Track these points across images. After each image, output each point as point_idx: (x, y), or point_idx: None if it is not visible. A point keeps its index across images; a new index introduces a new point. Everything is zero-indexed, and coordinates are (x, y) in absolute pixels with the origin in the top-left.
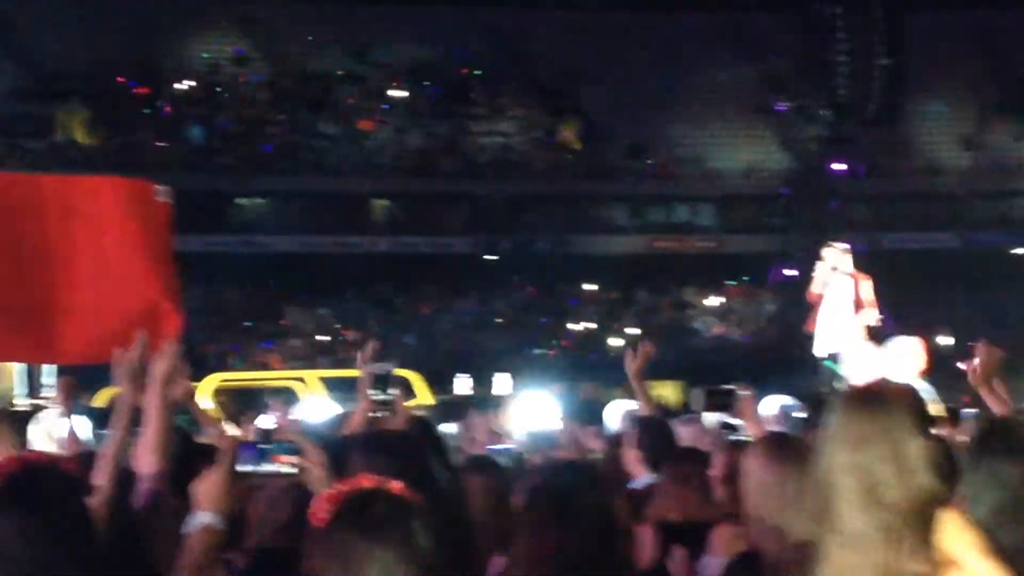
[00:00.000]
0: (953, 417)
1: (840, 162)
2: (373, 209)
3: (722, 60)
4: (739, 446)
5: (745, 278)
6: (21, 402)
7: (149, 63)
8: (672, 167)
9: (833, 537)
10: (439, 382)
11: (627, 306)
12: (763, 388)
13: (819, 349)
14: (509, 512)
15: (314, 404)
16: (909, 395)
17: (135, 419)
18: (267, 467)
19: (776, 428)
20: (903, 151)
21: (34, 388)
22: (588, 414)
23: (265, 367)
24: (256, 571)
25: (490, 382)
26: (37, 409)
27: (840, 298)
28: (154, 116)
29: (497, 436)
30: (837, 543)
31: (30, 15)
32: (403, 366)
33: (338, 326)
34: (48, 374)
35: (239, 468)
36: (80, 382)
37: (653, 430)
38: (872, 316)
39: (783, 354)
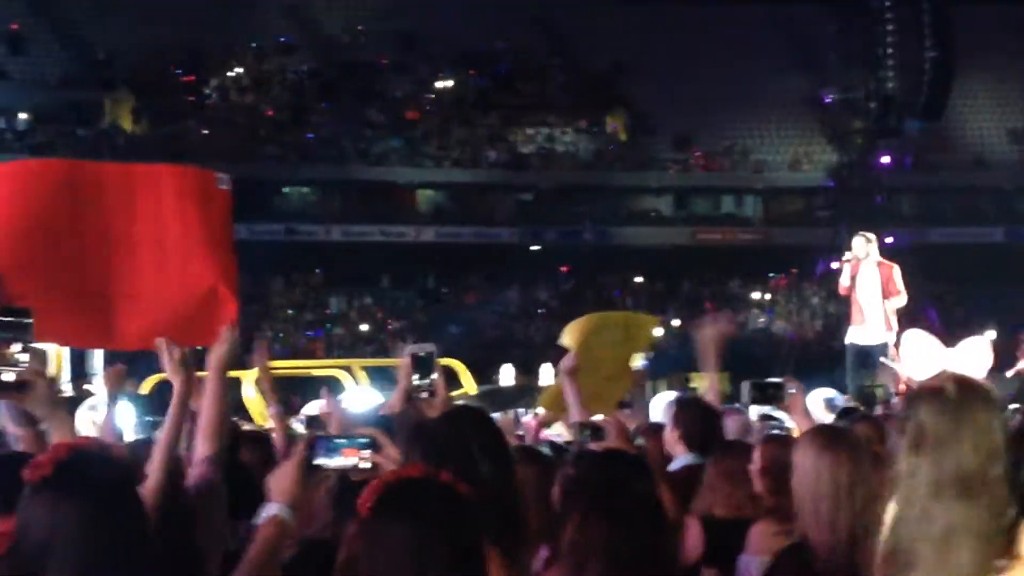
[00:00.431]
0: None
1: (886, 155)
2: (418, 199)
3: (769, 52)
4: (779, 439)
5: (790, 271)
6: (66, 388)
7: (197, 52)
8: (718, 159)
9: (918, 533)
10: (483, 372)
11: (671, 298)
12: (807, 381)
13: (853, 338)
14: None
15: (358, 393)
16: (989, 388)
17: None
18: (338, 460)
19: (822, 421)
20: (950, 144)
21: (81, 374)
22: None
23: (309, 355)
24: (301, 562)
25: (533, 372)
26: (83, 395)
27: (870, 287)
28: (200, 104)
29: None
30: (922, 539)
31: (80, 4)
32: (447, 355)
33: (382, 315)
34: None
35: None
36: (128, 369)
37: (694, 410)
38: (901, 301)
39: (827, 347)
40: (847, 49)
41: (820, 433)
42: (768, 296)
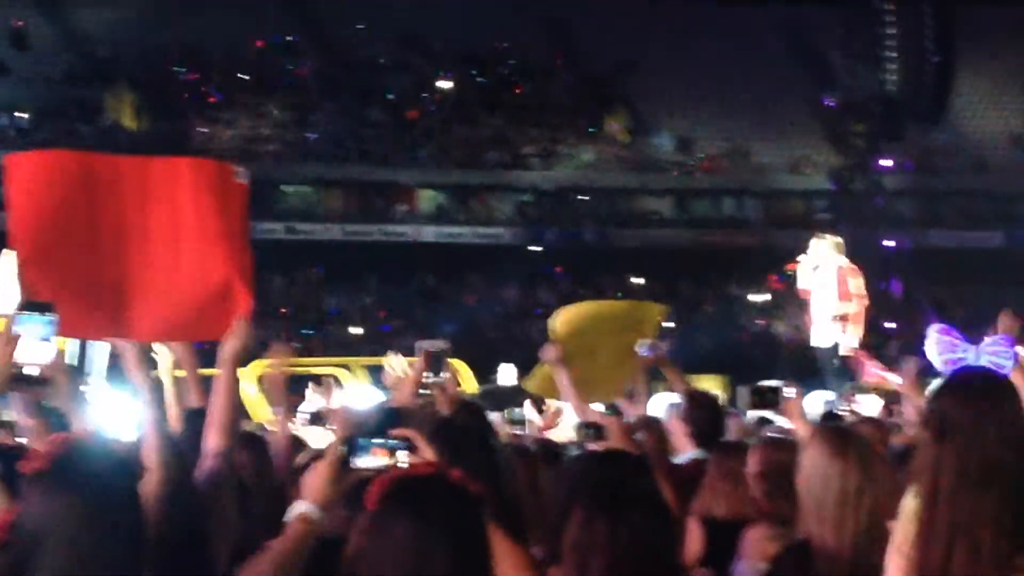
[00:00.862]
0: None
1: (887, 158)
2: (419, 198)
3: (771, 54)
4: (776, 443)
5: (790, 273)
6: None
7: (198, 49)
8: (719, 161)
9: (942, 523)
10: (482, 371)
11: (671, 300)
12: (806, 384)
13: (815, 340)
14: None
15: (358, 391)
16: (1010, 383)
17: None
18: (371, 460)
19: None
20: (951, 147)
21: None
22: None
23: (308, 354)
24: (315, 561)
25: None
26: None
27: (826, 290)
28: (202, 102)
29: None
30: (946, 529)
31: (82, 0)
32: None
33: (382, 315)
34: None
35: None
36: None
37: (703, 405)
38: (850, 308)
39: None
40: (849, 52)
41: (830, 436)
42: (768, 298)
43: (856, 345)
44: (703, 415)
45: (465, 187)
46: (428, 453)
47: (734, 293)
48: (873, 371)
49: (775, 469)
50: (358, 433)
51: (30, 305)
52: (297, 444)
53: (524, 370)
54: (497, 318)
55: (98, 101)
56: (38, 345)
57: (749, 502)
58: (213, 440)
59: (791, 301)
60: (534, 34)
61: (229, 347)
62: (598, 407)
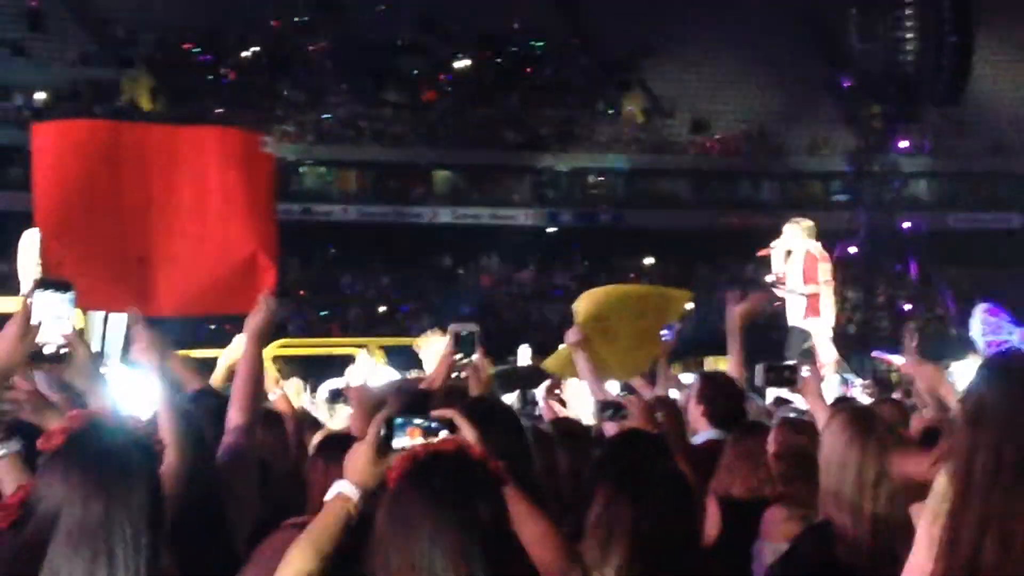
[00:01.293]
0: None
1: (905, 139)
2: (435, 180)
3: (788, 35)
4: (794, 424)
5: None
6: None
7: (215, 31)
8: (735, 142)
9: (974, 514)
10: (498, 353)
11: (687, 281)
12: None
13: (791, 322)
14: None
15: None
16: None
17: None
18: (409, 441)
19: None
20: (969, 130)
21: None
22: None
23: (325, 335)
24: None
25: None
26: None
27: (794, 273)
28: (218, 83)
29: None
30: (975, 521)
31: None
32: None
33: (398, 296)
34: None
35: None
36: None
37: (718, 385)
38: (815, 291)
39: (842, 331)
40: (867, 33)
41: (848, 419)
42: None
43: (829, 331)
44: (719, 396)
45: (481, 168)
46: (470, 433)
47: (750, 275)
48: (877, 354)
49: (792, 450)
50: (396, 413)
51: (48, 282)
52: (309, 423)
53: (541, 351)
54: (513, 299)
55: (114, 82)
56: (56, 322)
57: (767, 482)
58: (234, 415)
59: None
60: (551, 15)
61: (254, 321)
62: (613, 387)
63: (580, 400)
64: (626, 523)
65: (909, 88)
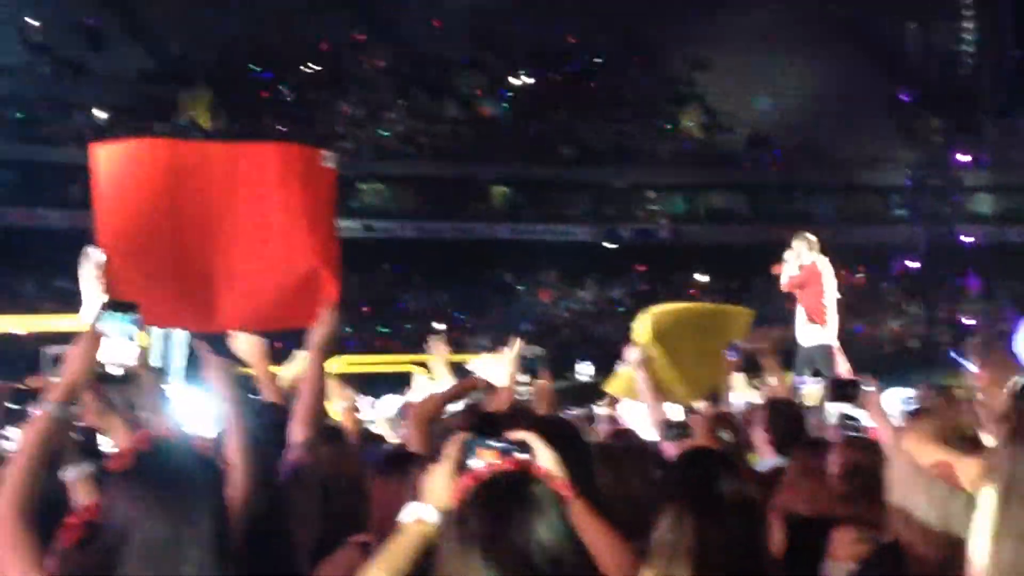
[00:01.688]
0: None
1: (964, 153)
2: (493, 195)
3: (846, 49)
4: (858, 443)
5: (862, 271)
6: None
7: (272, 48)
8: (793, 156)
9: (1011, 527)
10: (556, 369)
11: (744, 295)
12: (883, 381)
13: (799, 337)
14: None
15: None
16: None
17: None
18: (483, 463)
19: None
20: None
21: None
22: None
23: (384, 352)
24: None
25: (608, 369)
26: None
27: (802, 287)
28: (277, 100)
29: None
30: (1015, 536)
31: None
32: None
33: (457, 313)
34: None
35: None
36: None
37: (784, 412)
38: (819, 303)
39: (903, 347)
40: (925, 46)
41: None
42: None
43: (835, 342)
44: (782, 421)
45: (539, 184)
46: (546, 455)
47: None
48: (955, 356)
49: (855, 469)
50: (470, 435)
51: (114, 304)
52: (371, 439)
53: (599, 367)
54: (572, 315)
55: (173, 100)
56: (121, 344)
57: (831, 499)
58: (298, 431)
59: (865, 297)
60: (608, 31)
61: (318, 335)
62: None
63: (636, 421)
64: (691, 541)
65: (968, 101)
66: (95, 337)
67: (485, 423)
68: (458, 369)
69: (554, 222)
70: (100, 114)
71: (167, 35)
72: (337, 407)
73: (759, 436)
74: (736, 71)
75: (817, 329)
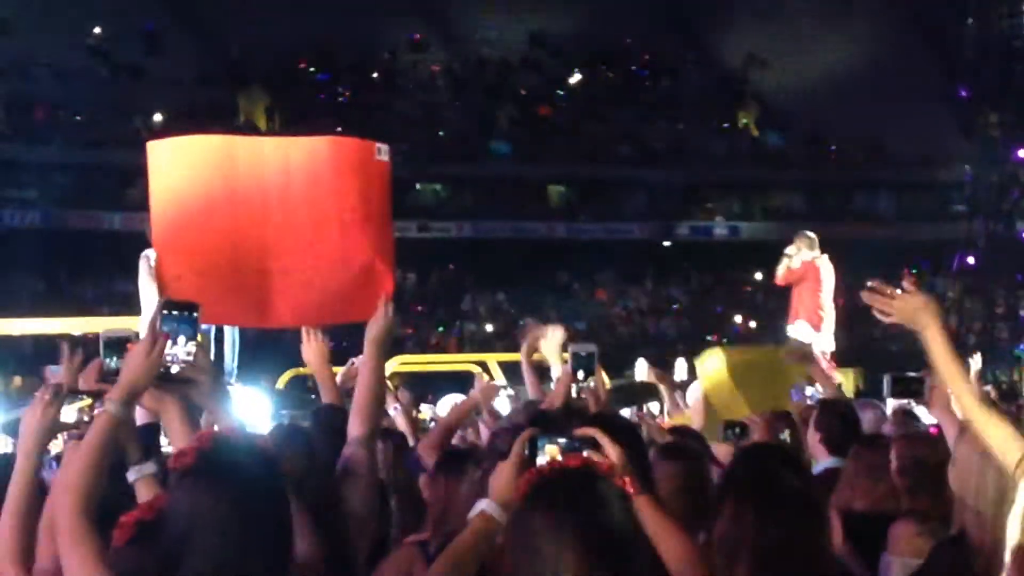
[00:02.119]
0: None
1: (1023, 149)
2: (550, 195)
3: (902, 44)
4: (917, 438)
5: (918, 267)
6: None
7: (329, 50)
8: (850, 153)
9: None
10: (613, 368)
11: None
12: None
13: (792, 333)
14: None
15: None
16: None
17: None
18: (540, 459)
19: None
20: None
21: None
22: None
23: (442, 352)
24: None
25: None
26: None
27: (798, 285)
28: (333, 102)
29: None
30: None
31: (214, 2)
32: None
33: (514, 311)
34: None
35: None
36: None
37: (836, 413)
38: (816, 302)
39: (962, 342)
40: (984, 42)
41: None
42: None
43: (829, 348)
44: (836, 422)
45: (595, 183)
46: (613, 451)
47: (866, 287)
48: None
49: (915, 464)
50: (536, 432)
51: (173, 304)
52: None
53: (656, 365)
54: (629, 313)
55: (230, 103)
56: (182, 343)
57: (889, 495)
58: (354, 427)
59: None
60: (663, 30)
61: (374, 329)
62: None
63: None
64: (751, 537)
65: None
66: (156, 337)
67: (546, 420)
68: (513, 369)
69: (610, 220)
70: (157, 117)
71: (224, 38)
72: (394, 408)
73: (813, 437)
74: (793, 69)
75: (808, 331)
